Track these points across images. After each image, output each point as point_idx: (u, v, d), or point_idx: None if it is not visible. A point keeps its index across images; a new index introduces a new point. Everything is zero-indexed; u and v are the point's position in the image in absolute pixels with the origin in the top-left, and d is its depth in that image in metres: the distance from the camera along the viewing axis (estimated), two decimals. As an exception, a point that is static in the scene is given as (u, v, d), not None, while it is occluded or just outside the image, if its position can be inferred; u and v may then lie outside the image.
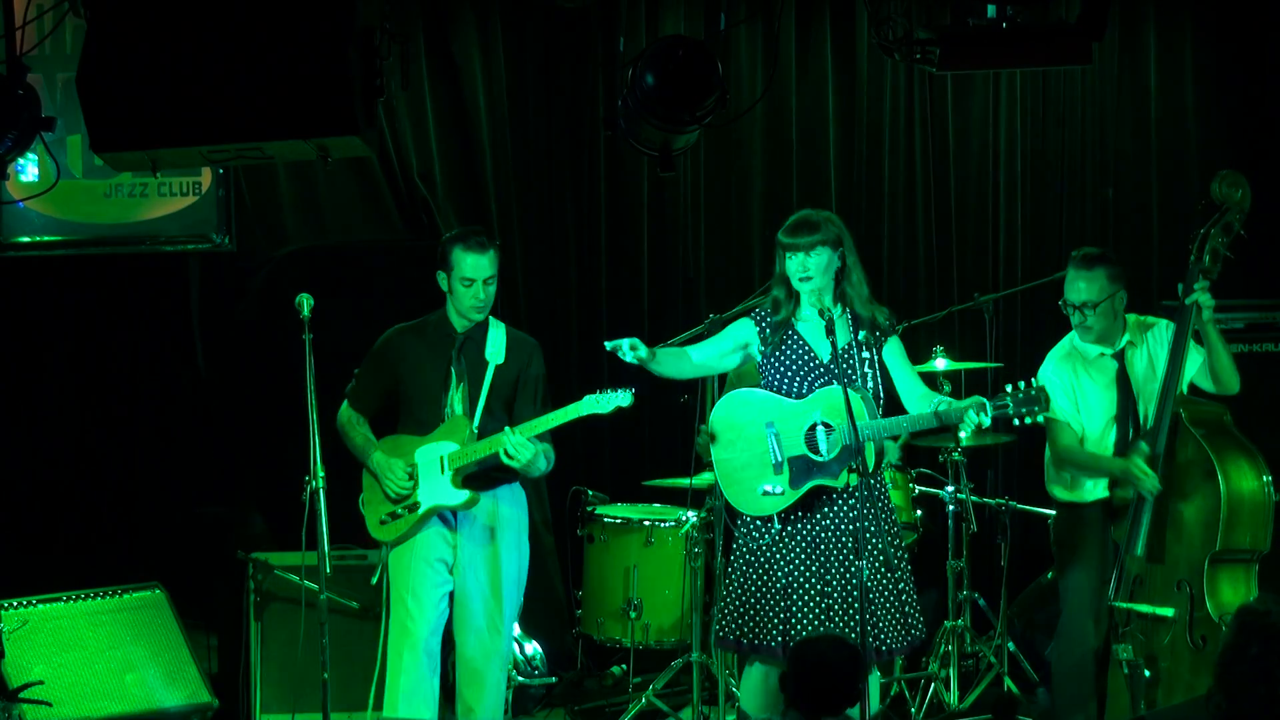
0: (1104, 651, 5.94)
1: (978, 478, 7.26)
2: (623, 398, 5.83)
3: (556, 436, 7.93)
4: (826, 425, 5.58)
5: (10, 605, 6.40)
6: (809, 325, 5.72)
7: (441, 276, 6.05)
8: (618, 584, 7.00)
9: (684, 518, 6.84)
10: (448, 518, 6.05)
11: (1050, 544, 6.32)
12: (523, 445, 5.88)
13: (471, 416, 6.01)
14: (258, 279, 7.39)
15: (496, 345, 6.08)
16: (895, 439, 6.83)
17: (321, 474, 5.76)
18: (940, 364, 7.08)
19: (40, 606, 6.45)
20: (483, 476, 6.02)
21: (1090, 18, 5.83)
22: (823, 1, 8.11)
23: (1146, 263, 8.14)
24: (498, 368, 6.06)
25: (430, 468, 5.99)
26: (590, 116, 7.96)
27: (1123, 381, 6.01)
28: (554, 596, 7.74)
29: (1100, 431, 6.02)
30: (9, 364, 7.29)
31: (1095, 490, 6.03)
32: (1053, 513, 6.38)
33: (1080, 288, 5.98)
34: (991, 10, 5.76)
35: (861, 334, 5.65)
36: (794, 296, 5.71)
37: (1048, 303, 8.04)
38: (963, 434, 5.49)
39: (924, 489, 7.18)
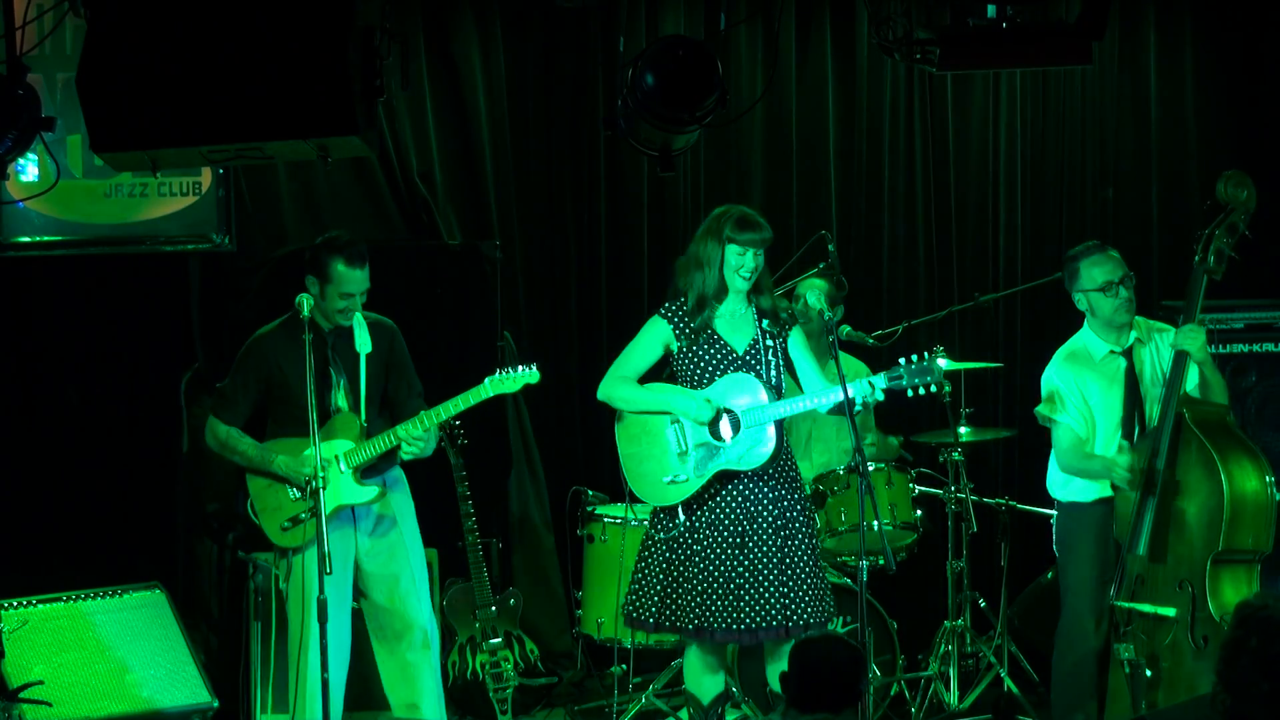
0: (1104, 651, 5.94)
1: (978, 478, 7.26)
2: (529, 375, 6.01)
3: (557, 436, 7.99)
4: (728, 411, 5.68)
5: (10, 605, 6.40)
6: (725, 320, 5.80)
7: (312, 281, 6.05)
8: (618, 584, 6.99)
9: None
10: (347, 515, 6.10)
11: (1051, 544, 6.33)
12: (420, 437, 5.99)
13: (357, 412, 6.07)
14: (258, 279, 7.39)
15: (362, 334, 6.15)
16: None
17: (322, 474, 5.76)
18: (940, 364, 7.06)
19: (40, 606, 6.45)
20: (372, 465, 6.10)
21: (1090, 18, 5.83)
22: (823, 1, 8.11)
23: (1146, 263, 8.13)
24: (368, 356, 6.13)
25: (327, 468, 5.99)
26: (590, 116, 7.96)
27: (1130, 380, 6.01)
28: (554, 596, 7.75)
29: (1110, 430, 6.02)
30: (9, 364, 7.28)
31: (1096, 490, 6.04)
32: (1053, 513, 6.38)
33: (1113, 264, 6.02)
34: (991, 10, 5.76)
35: (765, 323, 5.77)
36: (723, 291, 5.77)
37: (1048, 303, 8.07)
38: (858, 408, 5.58)
39: (924, 489, 7.17)
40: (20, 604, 6.42)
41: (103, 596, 6.55)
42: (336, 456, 6.03)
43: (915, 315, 7.62)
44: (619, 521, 7.06)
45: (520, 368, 6.02)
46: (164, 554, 7.26)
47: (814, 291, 5.99)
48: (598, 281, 8.11)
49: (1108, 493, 6.00)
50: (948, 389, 6.91)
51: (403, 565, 6.18)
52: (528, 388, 6.09)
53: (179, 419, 7.40)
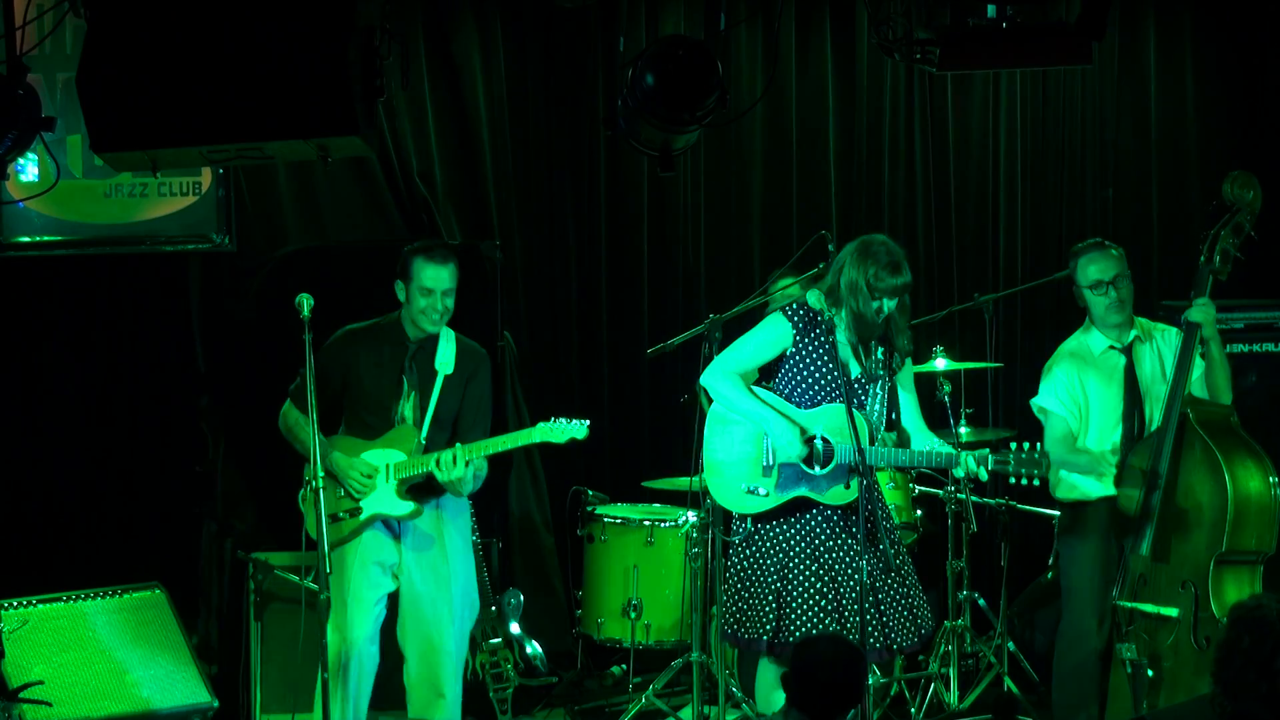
0: (1106, 652, 5.94)
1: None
2: (577, 429, 5.96)
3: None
4: (826, 441, 5.59)
5: (10, 605, 6.40)
6: (845, 346, 5.69)
7: (399, 285, 6.07)
8: (618, 584, 7.00)
9: (684, 518, 6.84)
10: (391, 523, 6.09)
11: (1053, 544, 6.33)
12: (453, 464, 5.93)
13: (420, 427, 6.05)
14: (258, 279, 7.39)
15: (447, 355, 6.12)
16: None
17: (321, 474, 5.75)
18: (940, 364, 7.08)
19: (40, 606, 6.44)
20: (426, 486, 6.07)
21: (1090, 18, 5.83)
22: (823, 1, 8.11)
23: (1147, 263, 8.14)
24: (446, 378, 6.10)
25: (374, 475, 6.02)
26: (590, 116, 7.96)
27: (1129, 378, 6.02)
28: (554, 596, 7.75)
29: (1107, 429, 6.02)
30: (9, 364, 7.28)
31: (1099, 489, 6.03)
32: (1053, 513, 6.38)
33: (1108, 264, 6.02)
34: (991, 10, 5.75)
35: (881, 352, 5.66)
36: (860, 320, 5.63)
37: (1048, 303, 8.07)
38: (955, 474, 5.59)
39: (924, 489, 7.18)
40: (20, 604, 6.42)
41: (103, 596, 6.54)
42: (386, 465, 6.02)
43: (915, 315, 7.58)
44: (619, 521, 7.06)
45: (573, 421, 5.97)
46: (164, 554, 7.26)
47: (815, 292, 5.98)
48: (598, 281, 8.11)
49: (1111, 491, 6.00)
50: (947, 388, 6.93)
51: (439, 589, 6.10)
52: (540, 403, 6.08)
53: (179, 419, 7.41)
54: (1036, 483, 5.61)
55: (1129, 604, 5.84)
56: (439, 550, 6.13)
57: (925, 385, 7.09)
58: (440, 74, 7.81)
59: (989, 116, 8.28)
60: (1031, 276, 8.00)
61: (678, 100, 5.62)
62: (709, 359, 5.91)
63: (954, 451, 5.58)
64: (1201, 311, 5.84)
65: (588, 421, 5.99)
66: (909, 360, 5.80)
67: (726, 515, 5.94)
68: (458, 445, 5.99)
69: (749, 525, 5.70)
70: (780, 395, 5.72)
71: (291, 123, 5.14)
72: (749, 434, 5.69)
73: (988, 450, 5.54)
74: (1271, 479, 5.76)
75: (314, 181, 7.63)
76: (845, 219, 8.18)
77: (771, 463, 5.63)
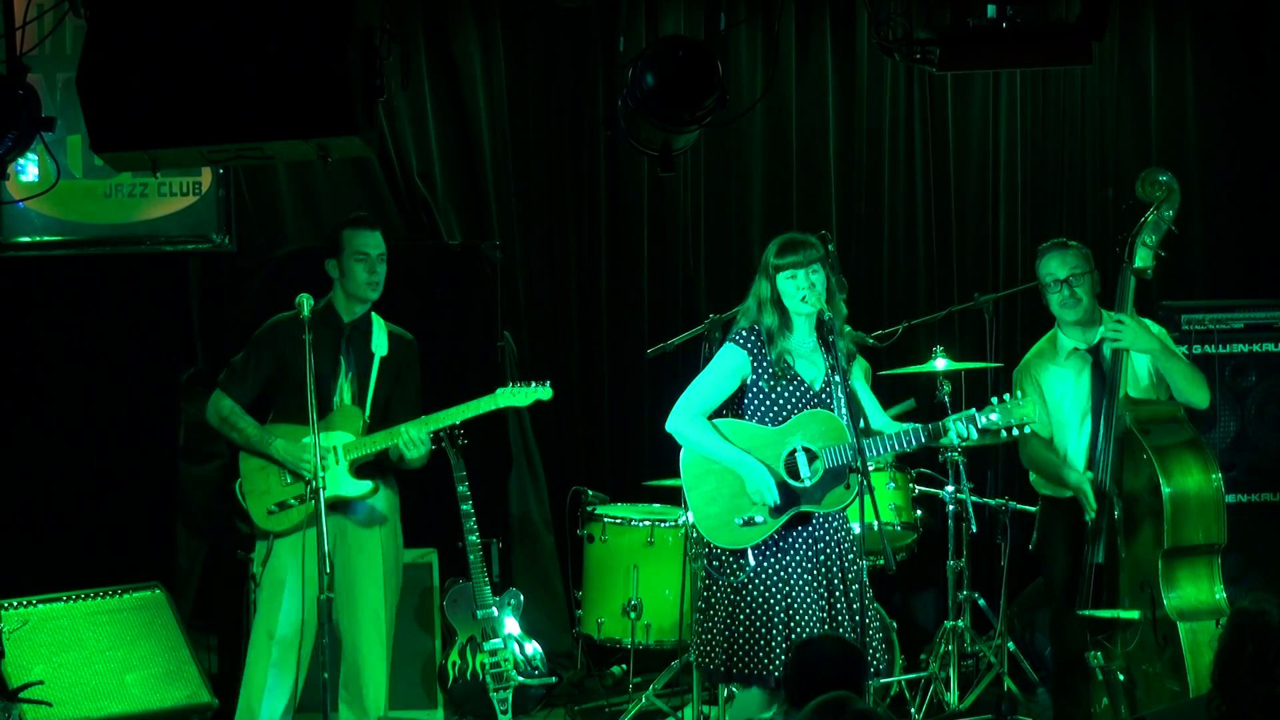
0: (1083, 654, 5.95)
1: (978, 478, 7.27)
2: (542, 391, 6.00)
3: (557, 436, 7.99)
4: (807, 450, 5.55)
5: (10, 605, 6.40)
6: (799, 357, 5.66)
7: (331, 264, 6.10)
8: (618, 584, 7.00)
9: (684, 518, 6.83)
10: (335, 511, 6.02)
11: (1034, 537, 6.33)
12: (420, 441, 5.95)
13: (362, 407, 6.06)
14: (258, 279, 7.39)
15: (380, 338, 6.15)
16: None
17: (322, 474, 5.75)
18: (940, 364, 7.07)
19: (40, 606, 6.44)
20: (371, 467, 6.06)
21: (1090, 18, 5.83)
22: (823, 2, 8.12)
23: (1146, 263, 8.14)
24: (382, 359, 6.12)
25: (325, 458, 5.96)
26: (590, 116, 7.96)
27: (1098, 374, 6.00)
28: (554, 596, 7.75)
29: (1077, 425, 6.01)
30: (9, 364, 7.29)
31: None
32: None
33: (1064, 261, 6.04)
34: (991, 10, 5.75)
35: (830, 359, 5.60)
36: (786, 324, 5.64)
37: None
38: (946, 442, 5.54)
39: (924, 489, 7.17)
40: (20, 604, 6.42)
41: (103, 596, 6.54)
42: (335, 448, 6.00)
43: (915, 315, 7.62)
44: (619, 521, 7.06)
45: (533, 383, 6.00)
46: (164, 554, 7.26)
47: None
48: (598, 281, 8.11)
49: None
50: (947, 388, 6.92)
51: (367, 568, 6.09)
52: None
53: (178, 418, 7.41)
54: (1028, 430, 5.56)
55: (1090, 613, 5.84)
56: (377, 535, 6.10)
57: (925, 385, 7.10)
58: (440, 74, 7.82)
59: (989, 117, 8.29)
60: (1031, 277, 7.92)
61: (678, 100, 5.62)
62: (708, 359, 5.90)
63: (936, 424, 5.52)
64: (1118, 333, 5.83)
65: (548, 381, 6.01)
66: (857, 362, 5.76)
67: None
68: (420, 419, 5.99)
69: (751, 562, 5.58)
70: (751, 421, 5.66)
71: (291, 123, 5.14)
72: (725, 468, 5.62)
73: (973, 409, 5.50)
74: (1213, 472, 5.77)
75: (314, 181, 7.64)
76: (845, 219, 8.18)
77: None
